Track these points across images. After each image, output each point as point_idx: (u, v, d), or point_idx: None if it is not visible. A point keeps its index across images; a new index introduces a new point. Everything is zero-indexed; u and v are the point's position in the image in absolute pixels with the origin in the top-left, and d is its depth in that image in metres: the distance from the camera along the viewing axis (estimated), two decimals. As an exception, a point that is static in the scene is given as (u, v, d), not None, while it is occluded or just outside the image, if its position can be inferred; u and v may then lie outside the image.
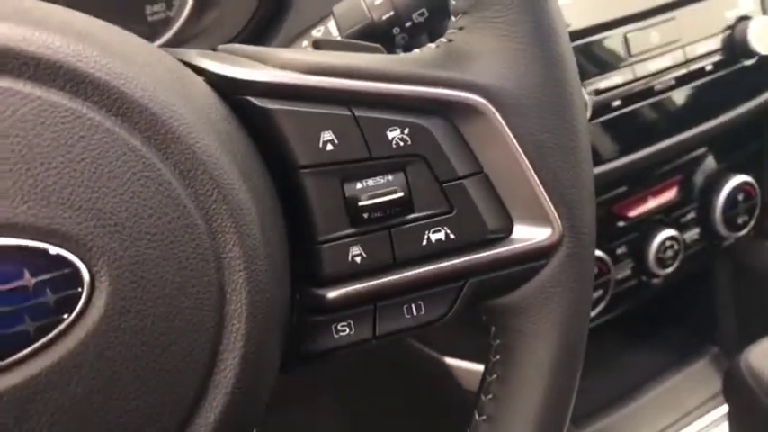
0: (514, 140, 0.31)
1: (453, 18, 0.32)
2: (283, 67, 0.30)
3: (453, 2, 0.32)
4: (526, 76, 0.31)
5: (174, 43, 0.58)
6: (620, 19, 0.60)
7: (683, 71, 0.63)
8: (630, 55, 0.61)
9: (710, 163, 0.73)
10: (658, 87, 0.62)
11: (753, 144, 0.76)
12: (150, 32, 0.58)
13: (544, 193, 0.32)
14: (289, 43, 0.47)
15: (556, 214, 0.32)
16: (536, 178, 0.31)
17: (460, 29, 0.32)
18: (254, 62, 0.31)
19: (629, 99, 0.61)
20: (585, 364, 0.35)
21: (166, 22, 0.59)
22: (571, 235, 0.32)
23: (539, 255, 0.32)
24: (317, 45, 0.36)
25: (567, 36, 0.32)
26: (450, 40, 0.32)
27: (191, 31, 0.58)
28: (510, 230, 0.32)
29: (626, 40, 0.61)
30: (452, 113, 0.31)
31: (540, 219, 0.32)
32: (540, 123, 0.31)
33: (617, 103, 0.60)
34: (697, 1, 0.64)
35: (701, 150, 0.73)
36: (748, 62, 0.67)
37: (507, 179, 0.32)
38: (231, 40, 0.55)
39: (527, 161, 0.31)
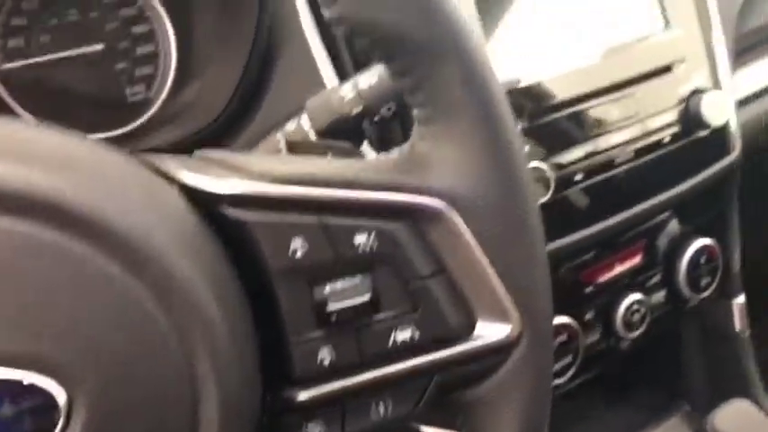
0: (474, 241, 0.33)
1: (416, 125, 0.34)
2: (256, 176, 0.32)
3: (416, 111, 0.34)
4: (482, 181, 0.33)
5: (154, 123, 0.60)
6: (582, 96, 0.63)
7: (641, 144, 0.66)
8: (591, 130, 0.64)
9: (674, 227, 0.76)
10: (619, 160, 0.65)
11: (714, 207, 0.79)
12: (130, 113, 0.60)
13: (503, 290, 0.34)
14: (264, 133, 0.48)
15: (515, 310, 0.34)
16: (495, 276, 0.33)
17: (422, 137, 0.34)
18: (227, 171, 0.33)
19: (591, 172, 0.63)
20: (558, 425, 0.37)
21: (146, 102, 0.61)
22: (529, 329, 0.34)
23: (500, 349, 0.34)
24: (292, 147, 0.38)
25: (519, 140, 0.34)
26: (413, 147, 0.34)
27: (170, 110, 0.60)
28: (472, 327, 0.34)
29: (587, 115, 0.64)
30: (416, 217, 0.33)
31: (501, 314, 0.34)
32: (496, 224, 0.33)
33: (579, 176, 0.63)
34: (654, 77, 0.68)
35: (666, 215, 0.76)
36: (703, 133, 0.70)
37: (469, 278, 0.34)
38: (210, 123, 0.56)
39: (486, 260, 0.33)
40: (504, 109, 0.33)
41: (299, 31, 0.57)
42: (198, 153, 0.36)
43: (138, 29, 0.59)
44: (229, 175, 0.32)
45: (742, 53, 0.91)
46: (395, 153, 0.35)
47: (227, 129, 0.55)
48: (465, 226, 0.33)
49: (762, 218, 0.89)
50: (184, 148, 0.48)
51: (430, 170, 0.33)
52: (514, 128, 0.34)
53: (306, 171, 0.33)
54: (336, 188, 0.32)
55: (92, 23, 0.58)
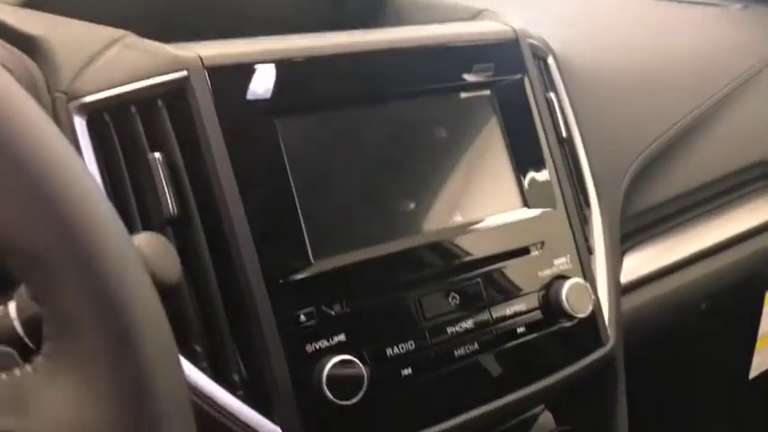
0: None
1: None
2: None
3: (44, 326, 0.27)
4: (98, 424, 0.25)
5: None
6: (415, 280, 0.57)
7: (488, 335, 0.59)
8: (428, 315, 0.57)
9: (546, 423, 0.67)
10: (459, 352, 0.57)
11: (593, 405, 0.71)
12: None
13: None
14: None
15: None
16: None
17: (46, 357, 0.27)
18: None
19: (422, 367, 0.55)
20: None
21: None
22: None
23: None
24: None
25: (170, 384, 0.27)
26: (22, 375, 0.26)
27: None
28: None
29: (426, 298, 0.57)
30: None
31: None
32: None
33: (407, 371, 0.55)
34: (509, 259, 0.62)
35: (535, 411, 0.67)
36: (568, 323, 0.64)
37: None
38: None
39: None
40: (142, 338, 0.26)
41: None
42: None
43: None
44: None
45: (633, 234, 0.87)
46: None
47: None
48: None
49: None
50: None
51: (26, 409, 0.25)
52: (157, 358, 0.27)
53: None
54: None
55: None
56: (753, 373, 1.08)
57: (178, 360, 0.29)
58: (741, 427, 1.15)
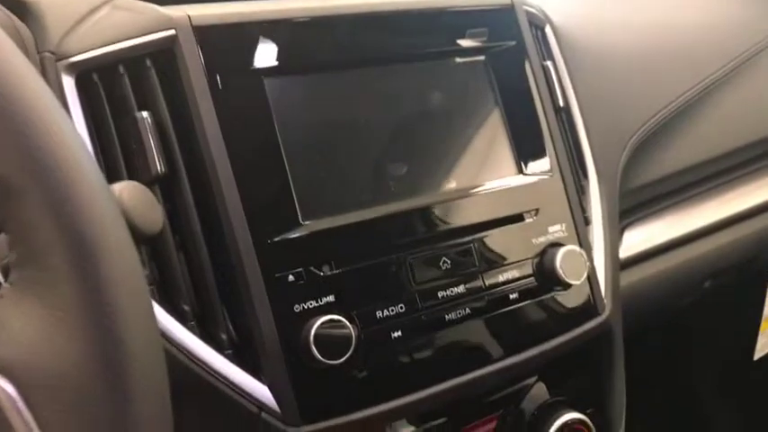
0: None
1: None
2: None
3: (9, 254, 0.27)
4: (64, 353, 0.25)
5: None
6: (406, 244, 0.57)
7: (480, 301, 0.59)
8: (421, 279, 0.57)
9: (537, 396, 0.67)
10: (450, 317, 0.57)
11: (587, 376, 0.70)
12: None
13: None
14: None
15: None
16: None
17: (11, 284, 0.26)
18: None
19: (412, 330, 0.55)
20: None
21: None
22: None
23: None
24: None
25: (134, 308, 0.26)
26: None
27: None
28: None
29: (417, 261, 0.57)
30: None
31: None
32: (79, 418, 0.24)
33: (396, 334, 0.54)
34: (502, 225, 0.61)
35: (527, 382, 0.67)
36: (562, 291, 0.63)
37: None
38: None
39: None
40: (107, 264, 0.26)
41: None
42: None
43: None
44: None
45: (633, 210, 0.86)
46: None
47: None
48: (30, 417, 0.24)
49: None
50: None
51: None
52: (128, 291, 0.26)
53: None
54: None
55: None
56: (757, 355, 1.07)
57: (147, 296, 0.29)
58: (744, 409, 1.13)
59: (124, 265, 0.26)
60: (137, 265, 0.28)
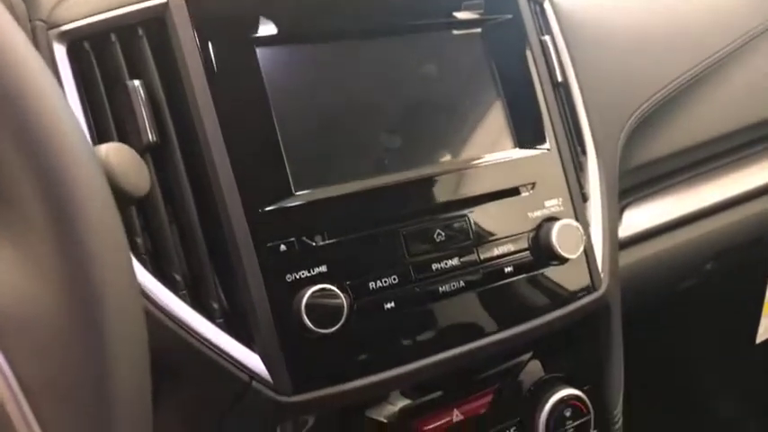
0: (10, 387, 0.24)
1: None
2: None
3: None
4: (39, 298, 0.24)
5: None
6: (399, 215, 0.56)
7: (474, 274, 0.58)
8: (415, 250, 0.56)
9: (533, 372, 0.66)
10: (444, 289, 0.57)
11: (583, 352, 0.70)
12: None
13: None
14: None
15: None
16: None
17: None
18: None
19: (405, 301, 0.55)
20: None
21: None
22: None
23: None
24: None
25: (109, 255, 0.26)
26: None
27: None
28: None
29: (412, 233, 0.57)
30: None
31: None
32: (53, 359, 0.24)
33: (389, 305, 0.54)
34: (495, 199, 0.61)
35: (522, 357, 0.66)
36: (558, 266, 0.62)
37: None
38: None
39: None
40: (79, 203, 0.26)
41: None
42: None
43: None
44: None
45: (633, 190, 0.86)
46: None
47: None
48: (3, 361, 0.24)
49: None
50: None
51: None
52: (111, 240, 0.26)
53: None
54: None
55: None
56: (760, 338, 1.07)
57: (125, 249, 0.28)
58: (746, 393, 1.13)
59: (101, 212, 0.26)
60: (114, 215, 0.28)
